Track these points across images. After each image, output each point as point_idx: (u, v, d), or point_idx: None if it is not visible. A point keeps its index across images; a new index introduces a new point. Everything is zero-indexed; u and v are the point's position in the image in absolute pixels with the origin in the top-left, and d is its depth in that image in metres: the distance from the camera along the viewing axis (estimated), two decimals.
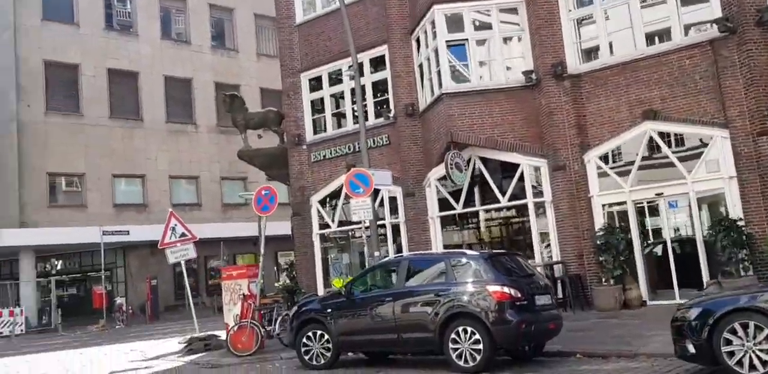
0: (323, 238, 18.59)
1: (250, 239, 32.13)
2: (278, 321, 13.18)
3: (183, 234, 14.92)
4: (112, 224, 28.64)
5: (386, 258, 11.10)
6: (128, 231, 27.97)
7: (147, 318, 25.47)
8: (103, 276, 26.65)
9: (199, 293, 30.14)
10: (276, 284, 20.98)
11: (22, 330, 23.56)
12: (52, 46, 29.95)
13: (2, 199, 28.88)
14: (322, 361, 10.30)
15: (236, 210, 34.49)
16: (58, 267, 31.97)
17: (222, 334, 14.65)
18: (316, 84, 18.90)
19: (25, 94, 29.15)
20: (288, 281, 18.66)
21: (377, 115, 17.58)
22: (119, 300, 25.29)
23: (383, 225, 16.94)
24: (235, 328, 12.73)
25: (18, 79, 28.97)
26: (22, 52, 29.20)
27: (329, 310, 10.34)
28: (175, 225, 14.96)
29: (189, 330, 19.90)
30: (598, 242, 13.21)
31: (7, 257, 29.97)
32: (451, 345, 8.83)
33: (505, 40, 15.40)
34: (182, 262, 15.30)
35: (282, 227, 29.98)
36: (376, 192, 14.64)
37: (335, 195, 18.18)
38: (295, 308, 11.29)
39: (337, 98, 18.96)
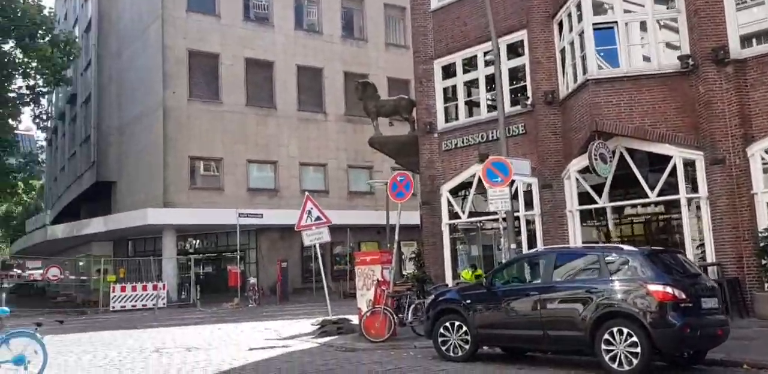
0: (452, 229, 18.19)
1: (374, 227, 32.39)
2: (411, 310, 12.96)
3: (318, 218, 15.00)
4: (245, 207, 29.68)
5: (532, 250, 10.55)
6: (262, 215, 28.88)
7: (277, 298, 26.19)
8: (238, 257, 27.65)
9: (324, 277, 30.64)
10: (404, 272, 20.88)
11: (164, 304, 24.89)
12: (196, 36, 31.34)
13: (150, 180, 30.68)
14: (460, 353, 9.96)
15: (362, 198, 34.84)
16: (196, 246, 33.58)
17: (353, 318, 14.68)
18: (449, 71, 18.48)
19: (171, 81, 30.70)
20: (416, 270, 18.46)
21: (513, 103, 16.91)
22: (252, 280, 26.15)
23: (516, 218, 16.30)
24: (368, 314, 12.63)
25: (165, 67, 30.54)
26: (169, 41, 30.74)
27: (468, 301, 9.97)
28: (311, 208, 15.07)
29: (318, 313, 20.24)
30: (762, 244, 11.97)
31: (152, 235, 31.85)
32: (603, 347, 8.19)
33: (659, 22, 14.27)
34: (317, 245, 15.40)
35: (405, 217, 30.01)
36: (510, 183, 14.05)
37: (466, 185, 17.72)
38: (431, 297, 11.00)
39: (470, 86, 18.46)
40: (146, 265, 29.33)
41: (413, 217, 31.10)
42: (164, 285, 25.67)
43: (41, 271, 47.26)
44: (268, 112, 33.02)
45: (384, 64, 35.96)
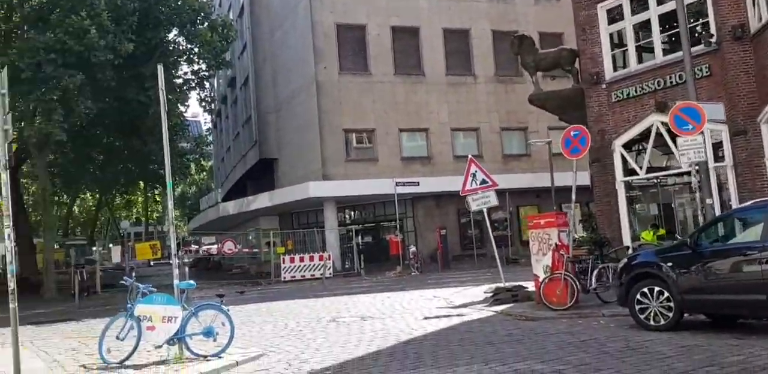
0: (628, 186, 16.62)
1: (533, 190, 31.01)
2: (594, 275, 11.87)
3: (484, 181, 14.19)
4: (400, 176, 29.45)
5: (748, 203, 9.09)
6: (418, 183, 28.54)
7: (439, 266, 25.83)
8: (397, 225, 27.56)
9: (483, 244, 29.91)
10: (574, 236, 19.64)
11: (330, 274, 25.35)
12: (343, 9, 31.21)
13: (309, 155, 31.32)
14: (662, 322, 8.82)
15: (517, 161, 33.51)
16: (355, 217, 34.02)
17: (527, 285, 13.84)
18: (615, 14, 16.70)
19: (321, 56, 30.90)
20: (589, 233, 17.16)
21: (694, 43, 14.92)
22: (413, 249, 25.94)
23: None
24: (547, 280, 11.71)
25: (315, 43, 30.75)
26: (317, 17, 30.86)
27: (669, 264, 8.76)
28: (476, 171, 14.28)
29: (482, 280, 19.57)
30: None
31: (313, 207, 32.64)
32: None
33: None
34: (484, 210, 14.62)
35: (565, 178, 28.39)
36: None
37: (643, 137, 16.04)
38: (623, 261, 9.87)
39: (640, 30, 16.59)
40: (310, 237, 30.13)
41: (576, 178, 29.32)
42: (329, 255, 26.11)
43: (216, 246, 50.54)
44: (416, 79, 32.40)
45: (533, 18, 33.98)
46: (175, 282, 9.23)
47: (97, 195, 52.95)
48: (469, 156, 15.62)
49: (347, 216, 34.06)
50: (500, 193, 29.21)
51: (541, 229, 12.44)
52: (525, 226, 32.22)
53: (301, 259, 25.72)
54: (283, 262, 25.49)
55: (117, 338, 8.86)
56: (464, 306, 13.37)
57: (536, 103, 19.25)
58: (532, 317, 11.06)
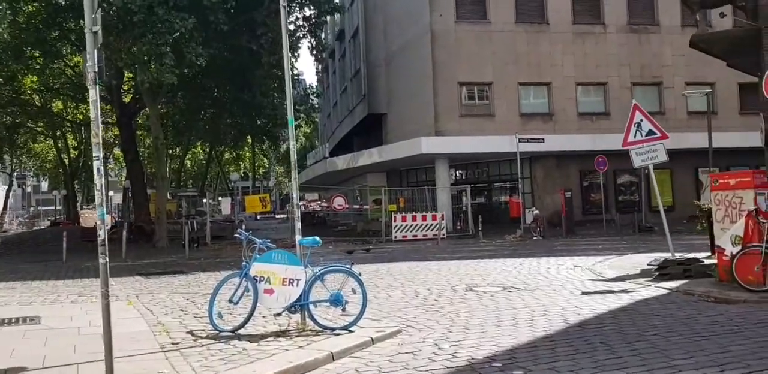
0: None
1: (669, 152, 27.76)
2: None
3: (651, 132, 11.73)
4: (517, 134, 27.01)
5: None
6: (543, 139, 26.02)
7: (563, 231, 23.43)
8: (520, 186, 25.29)
9: (608, 209, 27.15)
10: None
11: (444, 235, 23.55)
12: None
13: (421, 109, 29.29)
14: None
15: None
16: (467, 176, 31.91)
17: (704, 258, 11.46)
18: None
19: (437, 3, 28.50)
20: None
21: None
22: (536, 211, 23.62)
23: None
24: (740, 254, 9.30)
25: None
26: None
27: None
28: (641, 120, 11.84)
29: (623, 249, 17.16)
30: None
31: (423, 165, 30.80)
32: None
33: None
34: (650, 167, 12.18)
35: (722, 139, 25.11)
36: None
37: None
38: None
39: None
40: (420, 195, 28.34)
41: (731, 139, 25.96)
42: (443, 215, 24.26)
43: (319, 202, 49.85)
44: (539, 28, 29.42)
45: None
46: (297, 237, 7.61)
47: (207, 149, 53.56)
48: (633, 101, 13.07)
49: (459, 175, 32.01)
50: (626, 154, 26.54)
51: (730, 191, 9.97)
52: (655, 191, 29.10)
53: (414, 218, 24.02)
54: (395, 221, 23.88)
55: (230, 301, 7.37)
56: (621, 279, 11.16)
57: (700, 45, 16.14)
58: (724, 299, 8.74)
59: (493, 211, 30.76)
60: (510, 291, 9.90)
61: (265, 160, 79.05)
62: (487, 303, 8.83)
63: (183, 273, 14.36)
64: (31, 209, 71.32)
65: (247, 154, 64.14)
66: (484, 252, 17.67)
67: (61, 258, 18.86)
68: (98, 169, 5.24)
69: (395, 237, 23.51)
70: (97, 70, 5.26)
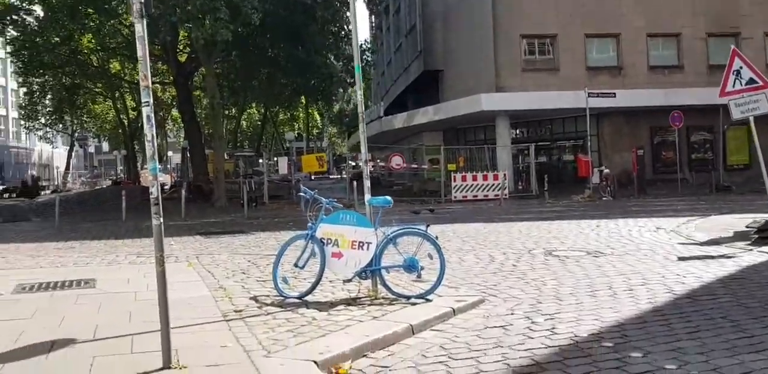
0: None
1: None
2: None
3: (752, 81, 10.40)
4: (583, 89, 25.46)
5: None
6: (614, 94, 24.40)
7: (635, 191, 22.10)
8: (588, 143, 23.90)
9: (680, 168, 25.56)
10: None
11: (506, 195, 22.54)
12: None
13: (480, 64, 27.96)
14: None
15: None
16: (529, 134, 30.56)
17: None
18: None
19: None
20: None
21: None
22: (606, 170, 22.30)
23: None
24: None
25: None
26: None
27: None
28: (740, 67, 10.49)
29: (704, 210, 15.94)
30: None
31: (482, 123, 29.59)
32: None
33: None
34: (751, 119, 10.88)
35: None
36: None
37: None
38: None
39: None
40: (479, 154, 27.26)
41: None
42: (505, 174, 23.19)
43: (371, 162, 49.00)
44: None
45: None
46: (367, 197, 6.82)
47: (262, 110, 53.30)
48: (732, 47, 11.69)
49: (519, 133, 30.68)
50: (701, 110, 24.77)
51: None
52: (732, 148, 27.37)
53: (474, 178, 23.04)
54: (454, 181, 22.95)
55: (295, 266, 6.70)
56: (714, 243, 10.08)
57: None
58: None
59: (557, 171, 29.44)
60: (596, 257, 8.98)
61: (319, 120, 78.73)
62: (574, 270, 7.94)
63: (243, 233, 13.89)
64: (94, 169, 73.02)
65: (301, 114, 63.75)
66: (553, 214, 16.67)
67: (121, 217, 18.72)
68: (148, 117, 4.50)
69: (454, 197, 22.64)
70: (143, 0, 4.47)
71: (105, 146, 78.01)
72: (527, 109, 26.58)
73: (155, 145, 4.46)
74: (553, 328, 5.28)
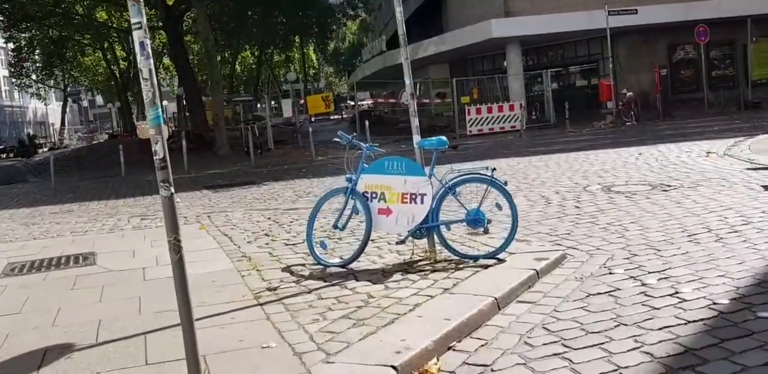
0: None
1: None
2: None
3: None
4: (594, 8, 23.56)
5: None
6: (635, 10, 22.48)
7: (660, 114, 20.68)
8: (610, 66, 22.22)
9: (700, 88, 23.99)
10: None
11: (523, 126, 21.15)
12: None
13: None
14: None
15: None
16: (540, 61, 28.79)
17: None
18: None
19: None
20: None
21: None
22: (629, 93, 20.79)
23: None
24: None
25: None
26: None
27: None
28: None
29: (745, 129, 14.63)
30: None
31: (491, 52, 27.84)
32: None
33: None
34: None
35: None
36: None
37: None
38: None
39: None
40: (490, 85, 25.70)
41: None
42: (521, 104, 21.71)
43: (370, 101, 47.27)
44: None
45: None
46: (416, 138, 5.52)
47: (257, 53, 51.11)
48: None
49: (529, 60, 28.90)
50: (732, 23, 22.92)
51: None
52: (756, 63, 25.63)
53: (489, 110, 21.57)
54: (468, 114, 21.49)
55: (335, 227, 5.48)
56: None
57: None
58: None
59: (570, 97, 27.89)
60: (665, 190, 7.75)
61: (315, 60, 76.08)
62: (651, 209, 6.73)
63: (254, 184, 12.68)
64: (89, 124, 71.20)
65: (296, 55, 61.37)
66: (582, 143, 15.36)
67: (120, 172, 17.49)
68: (142, 45, 3.11)
69: (469, 131, 21.25)
70: None
71: (99, 100, 75.89)
72: (539, 33, 24.75)
73: (155, 84, 3.13)
74: (677, 293, 4.09)
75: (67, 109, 60.67)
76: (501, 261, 5.00)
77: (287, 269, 5.29)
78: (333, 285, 4.72)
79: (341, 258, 5.32)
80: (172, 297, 3.29)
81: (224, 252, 6.12)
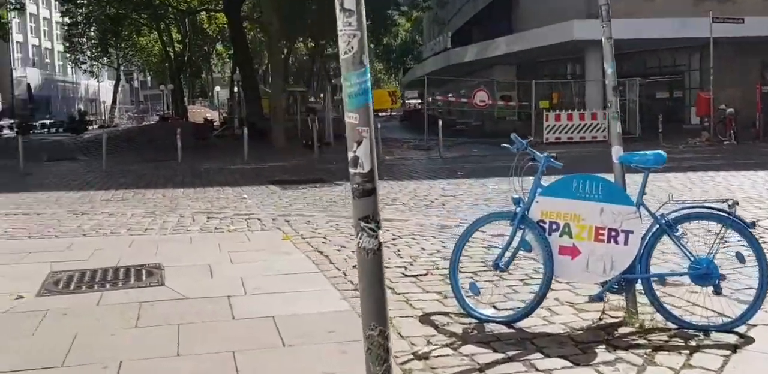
0: None
1: None
2: None
3: None
4: (686, 16, 21.64)
5: None
6: (742, 20, 20.49)
7: (758, 133, 18.71)
8: (711, 78, 20.16)
9: None
10: None
11: (604, 137, 19.36)
12: None
13: None
14: None
15: None
16: (622, 68, 26.82)
17: None
18: None
19: None
20: None
21: None
22: (729, 110, 18.87)
23: None
24: None
25: None
26: None
27: None
28: None
29: None
30: None
31: (565, 55, 26.00)
32: None
33: None
34: None
35: None
36: None
37: None
38: None
39: None
40: (564, 90, 23.95)
41: None
42: (604, 113, 19.93)
43: (418, 101, 45.61)
44: None
45: None
46: (616, 151, 3.97)
47: (312, 44, 50.14)
48: None
49: (617, 65, 26.89)
50: None
51: None
52: None
53: (570, 117, 19.85)
54: (547, 120, 19.82)
55: (495, 267, 3.96)
56: None
57: None
58: None
59: (651, 109, 25.92)
60: None
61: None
62: None
63: (325, 183, 11.30)
64: (140, 104, 71.05)
65: None
66: (691, 162, 13.61)
67: (172, 157, 16.35)
68: None
69: (546, 139, 19.57)
70: None
71: (150, 81, 75.77)
72: (625, 38, 22.78)
73: (364, 24, 1.68)
74: None
75: (119, 89, 60.45)
76: (745, 338, 3.44)
77: (427, 320, 3.80)
78: (510, 359, 3.21)
79: (506, 313, 3.82)
80: (279, 355, 1.91)
81: (327, 279, 4.66)
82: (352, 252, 5.54)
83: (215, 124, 35.45)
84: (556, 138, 19.51)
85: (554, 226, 3.81)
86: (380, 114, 54.95)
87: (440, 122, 18.33)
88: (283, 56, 50.24)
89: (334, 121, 25.12)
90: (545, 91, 25.85)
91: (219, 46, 55.72)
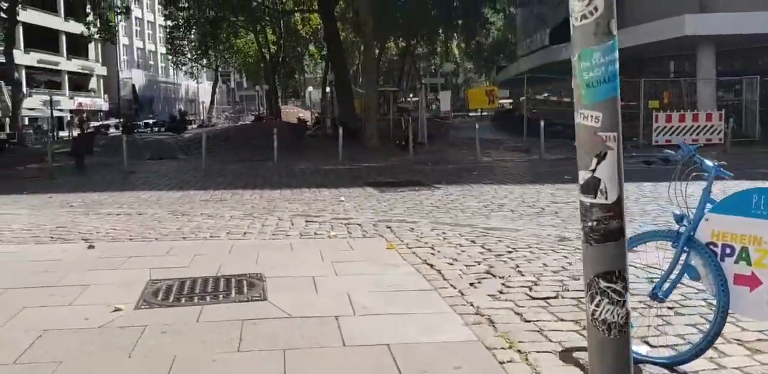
0: None
1: None
2: None
3: None
4: None
5: None
6: None
7: None
8: None
9: None
10: None
11: (720, 139, 17.89)
12: None
13: None
14: None
15: None
16: (735, 66, 24.92)
17: None
18: None
19: None
20: None
21: None
22: None
23: None
24: None
25: None
26: None
27: None
28: None
29: None
30: None
31: (677, 51, 24.36)
32: None
33: None
34: None
35: None
36: None
37: None
38: None
39: None
40: (674, 89, 22.40)
41: None
42: (721, 115, 18.43)
43: (509, 100, 44.32)
44: None
45: None
46: None
47: (402, 44, 49.94)
48: None
49: (719, 64, 25.05)
50: None
51: None
52: None
53: (682, 118, 18.48)
54: (656, 121, 18.52)
55: (653, 297, 3.32)
56: None
57: None
58: None
59: (764, 110, 23.91)
60: None
61: (457, 54, 73.94)
62: None
63: (423, 186, 10.80)
64: (236, 105, 73.28)
65: (438, 48, 59.72)
66: None
67: (268, 157, 16.36)
68: None
69: (655, 141, 18.27)
70: None
71: (245, 82, 78.01)
72: (742, 33, 21.10)
73: None
74: None
75: (217, 89, 62.52)
76: None
77: (569, 357, 3.23)
78: None
79: (650, 345, 3.19)
80: None
81: (442, 299, 4.16)
82: (466, 266, 5.03)
83: (308, 123, 35.81)
84: (666, 140, 18.18)
85: (728, 250, 3.14)
86: (470, 114, 54.06)
87: (542, 122, 17.48)
88: (375, 56, 50.48)
89: (428, 121, 24.70)
90: (649, 90, 24.32)
91: (312, 47, 56.49)
